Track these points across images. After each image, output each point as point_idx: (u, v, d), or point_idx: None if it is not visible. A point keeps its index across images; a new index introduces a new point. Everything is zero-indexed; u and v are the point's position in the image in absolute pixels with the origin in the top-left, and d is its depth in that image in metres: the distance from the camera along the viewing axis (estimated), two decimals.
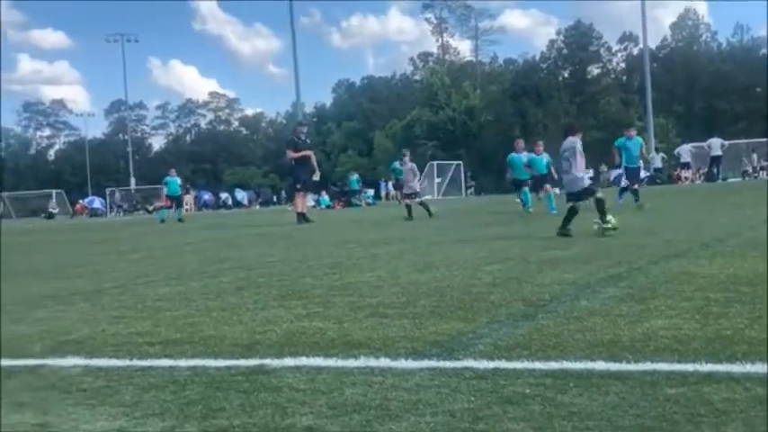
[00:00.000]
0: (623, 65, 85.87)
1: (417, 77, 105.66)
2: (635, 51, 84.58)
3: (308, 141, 22.90)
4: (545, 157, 20.20)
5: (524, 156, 20.41)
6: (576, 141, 11.85)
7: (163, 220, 30.56)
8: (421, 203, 21.26)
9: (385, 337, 4.65)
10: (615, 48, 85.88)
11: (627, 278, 6.79)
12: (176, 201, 32.43)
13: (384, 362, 4.01)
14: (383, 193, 62.14)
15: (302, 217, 21.50)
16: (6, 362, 4.49)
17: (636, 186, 19.26)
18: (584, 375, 3.56)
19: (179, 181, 32.59)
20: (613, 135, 26.68)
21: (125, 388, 3.76)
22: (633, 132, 20.29)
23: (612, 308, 5.25)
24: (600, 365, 3.72)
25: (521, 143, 21.31)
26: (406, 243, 12.49)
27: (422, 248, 11.24)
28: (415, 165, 22.45)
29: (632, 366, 3.68)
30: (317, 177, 22.36)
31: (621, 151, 19.70)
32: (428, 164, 57.97)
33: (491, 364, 3.84)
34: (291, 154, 21.97)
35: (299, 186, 22.23)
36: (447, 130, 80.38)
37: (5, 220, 65.06)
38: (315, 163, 22.21)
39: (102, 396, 3.63)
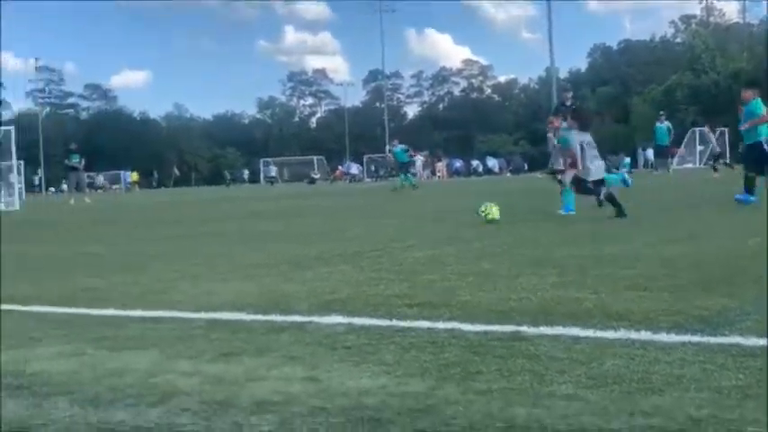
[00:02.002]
0: None
1: (679, 40, 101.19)
2: None
3: (574, 107, 22.57)
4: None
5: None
6: None
7: (395, 189, 32.17)
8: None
9: (645, 309, 4.51)
10: None
11: None
12: (404, 167, 34.50)
13: (645, 335, 3.89)
14: (641, 162, 60.08)
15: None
16: (278, 317, 4.78)
17: None
18: None
19: (404, 148, 34.65)
20: None
21: (386, 347, 3.88)
22: None
23: None
24: None
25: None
26: (664, 213, 12.05)
27: (681, 218, 10.79)
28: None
29: None
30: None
31: None
32: (690, 131, 55.40)
33: (761, 342, 3.63)
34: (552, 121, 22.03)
35: None
36: (710, 95, 76.39)
37: (277, 185, 69.11)
38: None
39: (364, 354, 3.77)
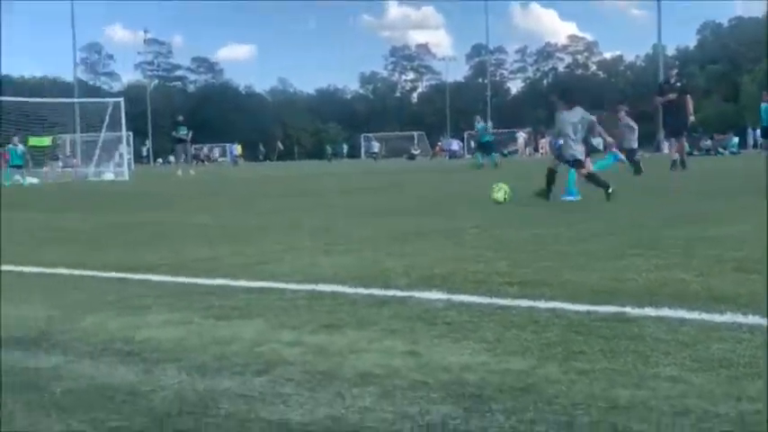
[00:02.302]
0: None
1: None
2: None
3: (678, 85, 22.04)
4: None
5: None
6: None
7: (496, 165, 32.06)
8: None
9: (753, 292, 4.39)
10: None
11: None
12: (482, 147, 34.43)
13: (753, 319, 3.79)
14: (750, 142, 58.15)
15: (675, 163, 20.76)
16: (379, 291, 4.82)
17: None
18: None
19: (484, 127, 35.12)
20: None
21: (486, 324, 3.88)
22: None
23: None
24: None
25: None
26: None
27: None
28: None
29: None
30: (691, 119, 21.42)
31: None
32: None
33: None
34: (657, 99, 21.72)
35: (666, 132, 21.89)
36: None
37: (378, 161, 69.38)
38: (689, 106, 21.27)
39: (465, 331, 3.78)
